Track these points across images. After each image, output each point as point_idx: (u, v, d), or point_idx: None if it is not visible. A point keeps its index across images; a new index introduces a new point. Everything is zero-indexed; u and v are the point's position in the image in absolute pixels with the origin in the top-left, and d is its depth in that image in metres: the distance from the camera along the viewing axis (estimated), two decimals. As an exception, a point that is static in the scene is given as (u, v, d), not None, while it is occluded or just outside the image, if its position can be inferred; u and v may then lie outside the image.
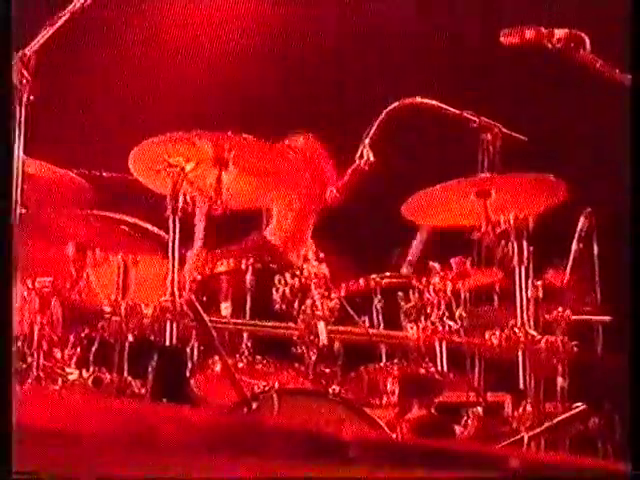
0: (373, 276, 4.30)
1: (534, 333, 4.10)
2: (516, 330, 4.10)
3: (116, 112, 5.40)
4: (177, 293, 3.90)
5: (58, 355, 4.05)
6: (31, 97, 3.64)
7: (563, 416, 4.04)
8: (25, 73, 3.63)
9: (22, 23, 2.31)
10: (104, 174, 4.57)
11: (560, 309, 4.23)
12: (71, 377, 3.99)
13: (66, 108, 4.98)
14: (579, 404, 4.08)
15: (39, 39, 3.73)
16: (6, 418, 1.88)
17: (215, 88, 5.52)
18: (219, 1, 5.58)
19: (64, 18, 3.75)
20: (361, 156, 4.44)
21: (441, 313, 4.18)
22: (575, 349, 4.17)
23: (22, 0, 2.45)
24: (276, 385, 3.92)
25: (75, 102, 5.29)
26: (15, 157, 3.73)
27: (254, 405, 3.78)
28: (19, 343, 3.99)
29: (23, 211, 3.80)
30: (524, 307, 4.15)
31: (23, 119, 3.67)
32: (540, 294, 4.23)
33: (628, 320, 3.18)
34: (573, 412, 4.06)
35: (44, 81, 3.63)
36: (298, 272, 4.13)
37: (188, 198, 4.04)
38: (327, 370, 4.05)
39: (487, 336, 4.16)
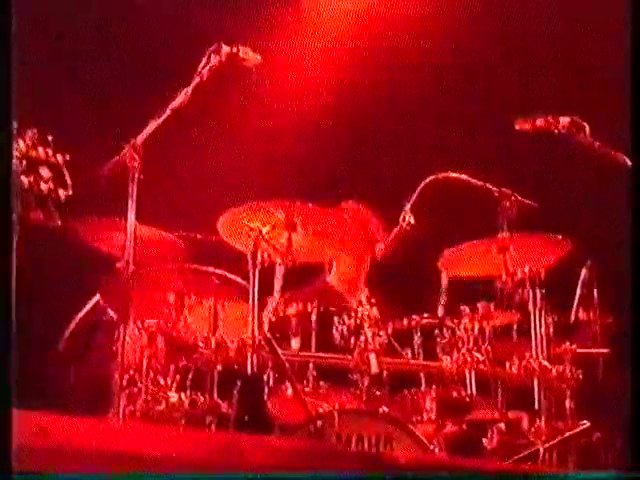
0: (414, 317, 4.33)
1: (546, 363, 4.08)
2: (531, 361, 4.07)
3: (206, 184, 5.34)
4: (256, 331, 3.89)
5: (162, 381, 4.06)
6: (141, 176, 3.71)
7: (571, 432, 4.00)
8: (136, 157, 3.71)
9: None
10: (197, 236, 4.53)
11: (567, 343, 4.22)
12: (172, 399, 3.98)
13: (167, 182, 4.94)
14: (584, 422, 4.05)
15: (146, 131, 3.75)
16: (6, 420, 1.77)
17: (285, 162, 5.48)
18: (284, 94, 5.54)
19: (166, 114, 3.78)
20: (403, 219, 4.43)
21: (470, 347, 4.17)
22: (580, 376, 4.14)
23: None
24: (336, 406, 3.95)
25: (174, 177, 5.26)
26: (129, 223, 3.80)
27: (318, 423, 3.76)
28: (131, 371, 3.95)
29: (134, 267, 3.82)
30: (538, 342, 4.11)
31: (135, 193, 3.74)
32: (551, 331, 4.19)
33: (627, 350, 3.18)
34: (579, 428, 4.02)
35: (150, 162, 3.69)
36: (353, 314, 4.12)
37: (265, 255, 4.04)
38: (377, 393, 4.06)
39: (508, 366, 4.13)
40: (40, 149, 1.79)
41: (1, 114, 1.88)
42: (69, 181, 1.84)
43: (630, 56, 3.42)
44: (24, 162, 1.77)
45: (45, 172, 1.79)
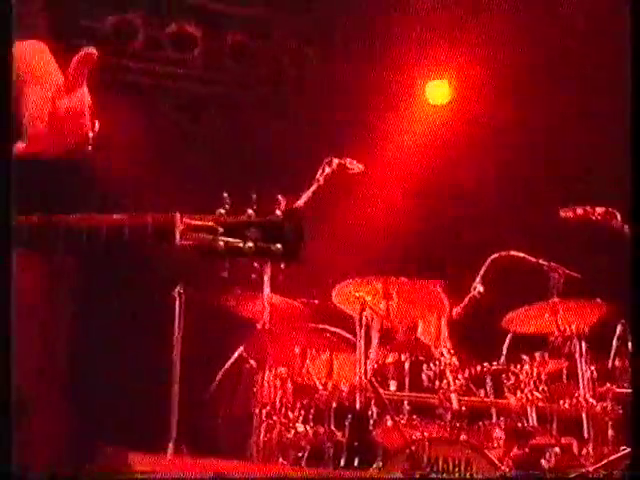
0: (485, 364, 4.40)
1: (592, 401, 4.19)
2: (580, 399, 4.21)
3: (322, 264, 5.21)
4: (363, 376, 4.08)
5: (290, 415, 4.27)
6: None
7: (614, 456, 4.03)
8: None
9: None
10: (315, 301, 4.73)
11: (608, 384, 4.28)
12: (299, 429, 4.20)
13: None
14: (624, 447, 4.06)
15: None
16: (6, 424, 1.64)
17: (382, 246, 5.60)
18: (380, 192, 5.73)
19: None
20: (474, 288, 4.57)
21: (530, 388, 4.28)
22: (620, 411, 4.22)
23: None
24: (426, 435, 4.07)
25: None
26: (265, 294, 4.20)
27: (413, 448, 3.84)
28: (267, 408, 4.24)
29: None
30: (585, 384, 4.23)
31: (269, 271, 4.08)
32: (594, 375, 4.30)
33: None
34: (620, 453, 4.04)
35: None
36: (438, 362, 4.27)
37: (369, 317, 4.32)
38: (458, 425, 4.14)
39: (561, 402, 4.26)
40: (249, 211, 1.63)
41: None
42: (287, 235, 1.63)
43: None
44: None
45: (252, 232, 1.60)
